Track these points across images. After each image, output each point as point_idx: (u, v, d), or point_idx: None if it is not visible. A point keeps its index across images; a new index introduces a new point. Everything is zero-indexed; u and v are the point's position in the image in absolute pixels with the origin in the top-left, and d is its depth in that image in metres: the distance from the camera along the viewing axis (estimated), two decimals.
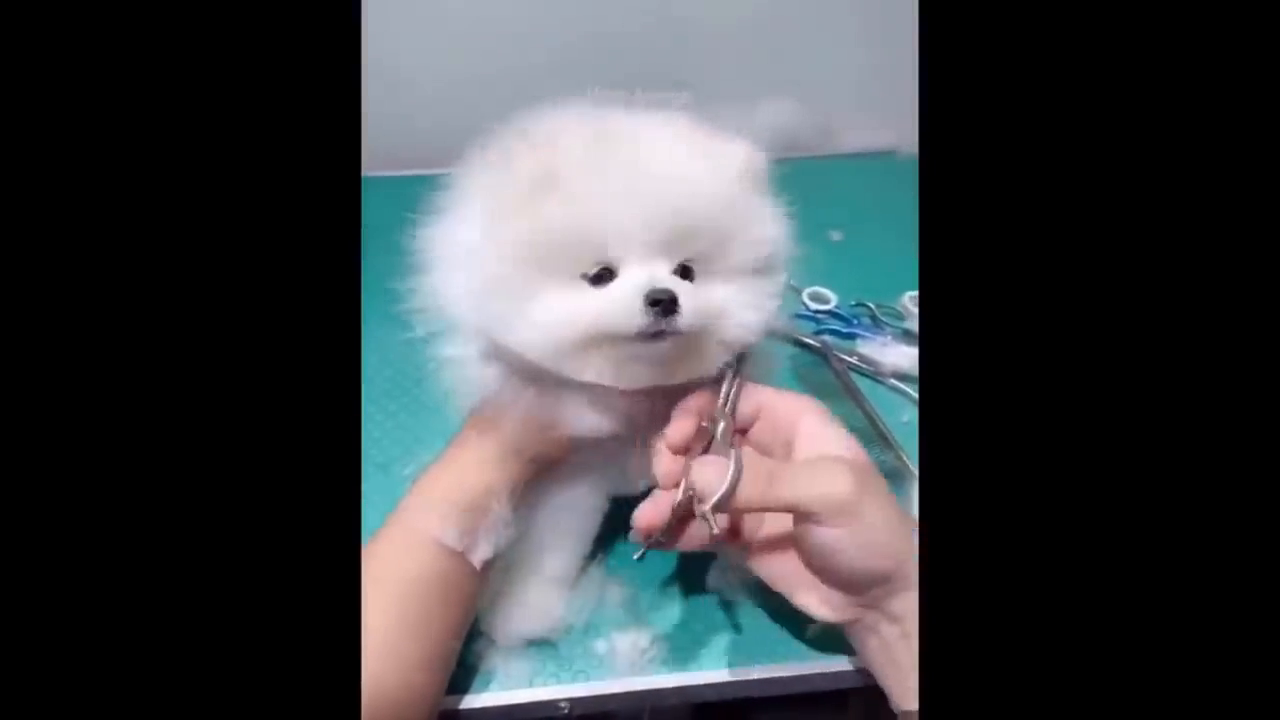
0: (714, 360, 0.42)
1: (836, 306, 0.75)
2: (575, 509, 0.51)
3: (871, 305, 0.76)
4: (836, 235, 0.84)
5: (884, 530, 0.39)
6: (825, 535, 0.39)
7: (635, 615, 0.52)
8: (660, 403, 0.43)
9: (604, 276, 0.40)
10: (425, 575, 0.43)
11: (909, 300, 0.75)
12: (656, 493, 0.42)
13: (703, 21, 0.89)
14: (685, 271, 0.42)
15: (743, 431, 0.45)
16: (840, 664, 0.48)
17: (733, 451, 0.40)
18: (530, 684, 0.49)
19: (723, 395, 0.43)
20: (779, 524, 0.43)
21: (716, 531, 0.38)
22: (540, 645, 0.50)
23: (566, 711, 0.49)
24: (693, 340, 0.41)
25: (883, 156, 0.95)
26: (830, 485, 0.39)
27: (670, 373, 0.42)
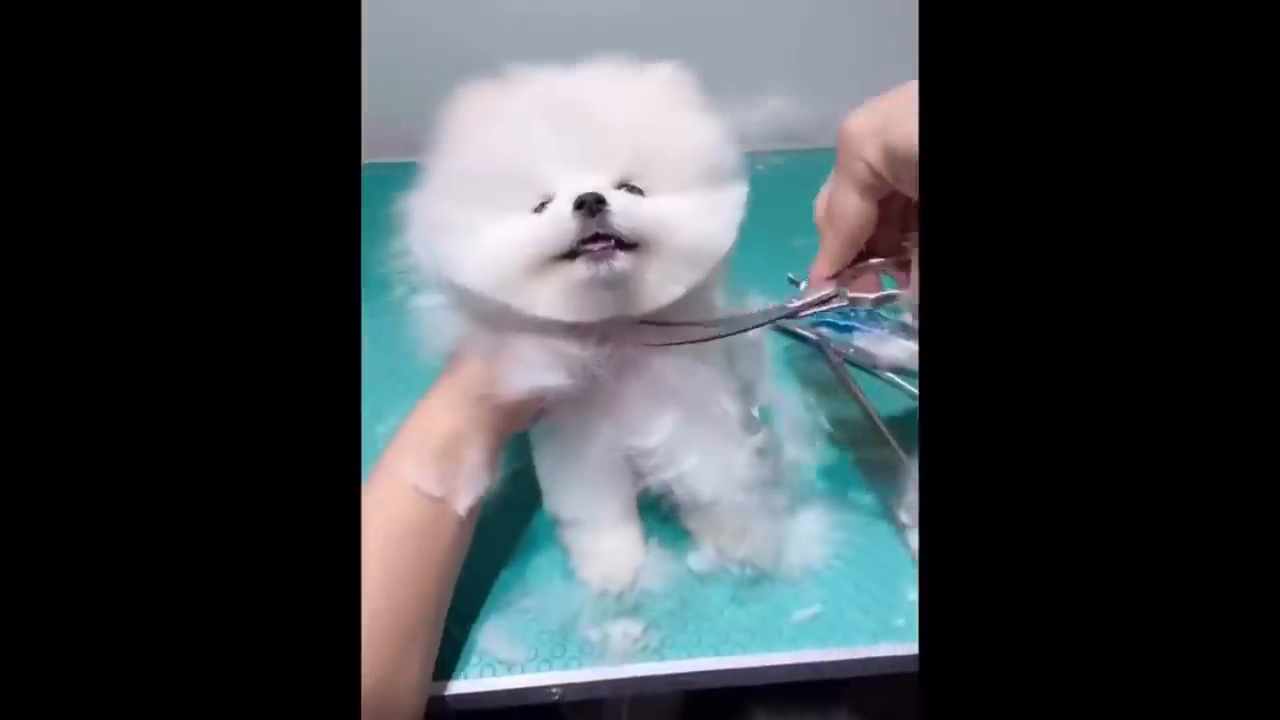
0: (679, 280, 0.42)
1: None
2: (596, 456, 0.50)
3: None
4: None
5: None
6: None
7: (628, 603, 0.52)
8: (621, 353, 0.43)
9: (546, 205, 0.42)
10: (408, 523, 0.43)
11: None
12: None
13: (706, 12, 0.89)
14: (631, 191, 0.43)
15: None
16: (832, 653, 0.49)
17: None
18: (523, 669, 0.49)
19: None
20: None
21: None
22: (533, 631, 0.51)
23: (558, 697, 0.49)
24: (648, 255, 0.41)
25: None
26: None
27: (630, 298, 0.41)
